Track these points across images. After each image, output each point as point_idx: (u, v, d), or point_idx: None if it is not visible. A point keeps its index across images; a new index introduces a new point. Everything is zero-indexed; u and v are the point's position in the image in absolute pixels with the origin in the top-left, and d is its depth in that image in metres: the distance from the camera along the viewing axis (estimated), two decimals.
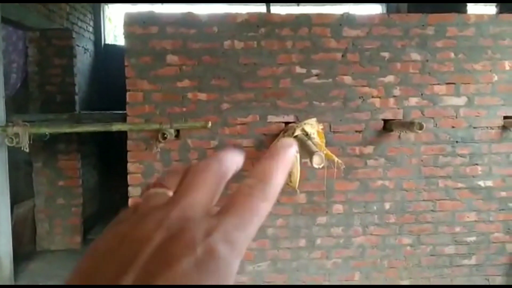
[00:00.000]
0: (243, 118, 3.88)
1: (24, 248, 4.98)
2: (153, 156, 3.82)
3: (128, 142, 3.83)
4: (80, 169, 5.32)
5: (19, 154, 4.15)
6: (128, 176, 3.84)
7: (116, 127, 3.53)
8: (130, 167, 3.83)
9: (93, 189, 6.10)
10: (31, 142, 3.49)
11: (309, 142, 3.24)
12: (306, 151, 3.23)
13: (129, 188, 3.85)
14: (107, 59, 7.12)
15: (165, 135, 3.58)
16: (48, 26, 5.20)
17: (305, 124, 3.52)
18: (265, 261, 3.95)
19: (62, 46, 5.14)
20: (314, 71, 3.92)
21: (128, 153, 3.83)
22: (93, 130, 3.53)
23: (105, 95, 6.70)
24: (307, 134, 3.45)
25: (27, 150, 3.43)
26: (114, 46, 7.48)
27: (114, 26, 8.09)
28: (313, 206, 3.97)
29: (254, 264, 3.94)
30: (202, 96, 3.84)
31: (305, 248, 3.99)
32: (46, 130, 3.46)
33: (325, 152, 3.12)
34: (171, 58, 3.80)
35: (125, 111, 4.26)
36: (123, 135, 4.34)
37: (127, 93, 3.80)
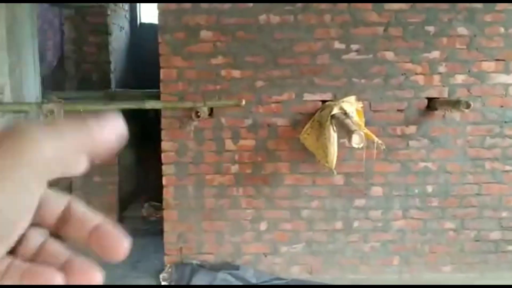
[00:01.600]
0: (278, 96, 3.78)
1: None
2: (186, 134, 3.80)
3: (162, 120, 3.81)
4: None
5: None
6: (162, 155, 3.84)
7: (150, 104, 3.51)
8: (164, 145, 3.82)
9: (129, 168, 6.17)
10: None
11: (348, 121, 3.12)
12: (344, 130, 3.12)
13: (163, 167, 3.84)
14: (143, 37, 7.13)
15: (199, 114, 3.54)
16: (83, 3, 5.22)
17: (343, 102, 3.39)
18: (300, 243, 3.89)
19: (98, 24, 5.16)
20: (354, 47, 3.76)
21: (162, 131, 3.82)
22: (127, 108, 3.53)
23: (140, 74, 6.72)
24: (345, 113, 3.33)
25: None
26: (149, 24, 7.47)
27: (150, 4, 8.07)
28: (350, 188, 3.86)
29: (289, 245, 3.88)
30: (236, 73, 3.77)
31: (342, 230, 3.90)
32: (80, 108, 3.48)
33: (364, 131, 2.99)
34: (205, 34, 3.73)
35: (159, 90, 4.27)
36: (159, 113, 4.35)
37: (161, 70, 3.77)
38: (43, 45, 4.54)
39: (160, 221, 5.77)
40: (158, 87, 4.78)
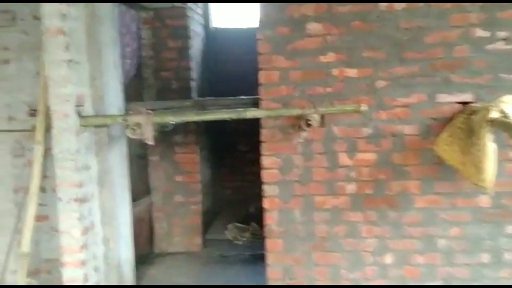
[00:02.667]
0: (404, 98, 3.10)
1: (141, 250, 4.66)
2: (292, 147, 3.19)
3: (263, 131, 3.23)
4: (199, 163, 4.89)
5: (130, 146, 3.76)
6: (263, 172, 3.25)
7: (251, 113, 2.94)
8: (265, 161, 3.24)
9: (207, 184, 5.68)
10: (155, 133, 3.03)
11: None
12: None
13: (264, 187, 3.26)
14: (217, 43, 6.66)
15: (310, 122, 2.92)
16: (160, 5, 4.79)
17: (503, 102, 2.65)
18: (435, 280, 3.16)
19: (177, 27, 4.72)
20: (501, 34, 3.02)
21: (263, 144, 3.24)
22: (224, 118, 2.98)
23: (216, 82, 6.24)
24: (505, 116, 2.59)
25: (152, 143, 2.97)
26: (223, 29, 6.99)
27: (222, 8, 7.62)
28: (500, 211, 3.10)
29: (422, 283, 3.16)
30: (352, 72, 3.13)
31: (489, 264, 3.13)
32: (171, 119, 2.98)
33: None
34: (313, 27, 3.13)
35: (252, 96, 3.72)
36: (236, 124, 3.80)
37: (260, 72, 3.20)
38: (121, 53, 4.12)
39: (248, 245, 5.24)
40: (240, 95, 4.26)
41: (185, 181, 4.86)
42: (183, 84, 4.74)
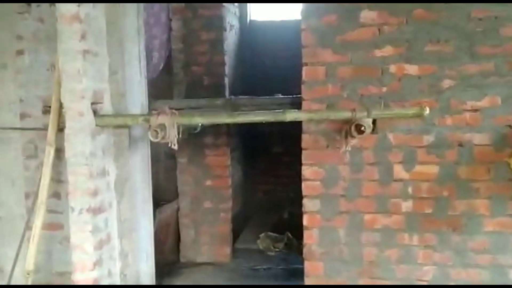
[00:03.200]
0: (475, 101, 2.62)
1: (167, 258, 4.33)
2: (338, 156, 2.76)
3: (304, 137, 2.81)
4: (229, 166, 4.51)
5: (158, 144, 3.40)
6: (303, 184, 2.84)
7: (291, 116, 2.52)
8: (306, 171, 2.82)
9: (237, 187, 5.30)
10: (180, 135, 2.66)
11: None
12: None
13: (304, 201, 2.84)
14: (254, 37, 6.25)
15: (363, 128, 2.48)
16: None
17: None
18: None
19: (211, 17, 4.34)
20: None
21: (303, 152, 2.82)
22: (260, 121, 2.58)
23: (250, 80, 5.83)
24: None
25: (176, 147, 2.61)
26: (261, 22, 6.56)
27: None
28: None
29: None
30: (412, 69, 2.67)
31: None
32: (200, 120, 2.60)
33: None
34: (366, 15, 2.69)
35: (291, 95, 3.31)
36: (271, 125, 3.41)
37: (304, 68, 2.78)
38: (148, 44, 3.78)
39: (282, 257, 4.84)
40: (276, 93, 3.86)
41: (215, 186, 4.49)
42: (215, 81, 4.36)
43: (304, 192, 2.83)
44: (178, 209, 4.52)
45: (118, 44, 2.85)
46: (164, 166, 4.90)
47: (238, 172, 5.47)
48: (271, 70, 6.06)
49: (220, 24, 4.40)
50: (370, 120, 2.52)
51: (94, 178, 2.60)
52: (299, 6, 2.80)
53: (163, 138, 2.64)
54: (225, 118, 2.66)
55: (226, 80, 4.44)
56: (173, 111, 2.67)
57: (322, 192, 2.80)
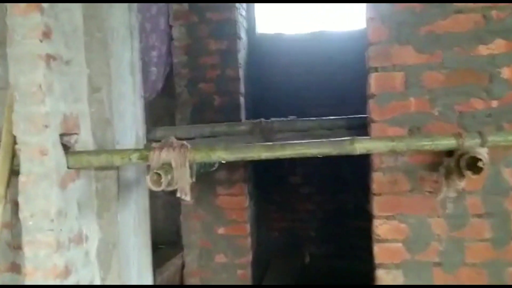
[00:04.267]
0: None
1: None
2: (430, 205, 1.89)
3: (375, 176, 1.95)
4: (248, 208, 3.63)
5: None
6: (376, 247, 1.95)
7: (363, 146, 1.66)
8: (380, 227, 1.94)
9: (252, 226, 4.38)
10: (194, 179, 1.79)
11: None
12: None
13: (379, 273, 1.95)
14: (262, 51, 5.41)
15: (480, 163, 1.62)
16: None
17: None
18: None
19: (221, 22, 3.52)
20: None
21: (375, 198, 1.95)
22: (315, 154, 1.72)
23: (259, 100, 4.98)
24: None
25: (188, 198, 1.74)
26: (270, 35, 5.72)
27: (268, 9, 6.38)
28: None
29: None
30: None
31: None
32: (224, 156, 1.73)
33: None
34: None
35: (346, 116, 2.47)
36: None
37: (371, 76, 1.94)
38: (143, 57, 2.93)
39: None
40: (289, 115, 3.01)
41: (230, 234, 3.59)
42: (229, 100, 3.50)
43: (378, 259, 1.95)
44: (183, 266, 3.60)
45: (102, 48, 2.00)
46: (162, 202, 4.03)
47: (251, 208, 4.57)
48: (284, 87, 5.24)
49: (233, 30, 3.59)
50: (485, 151, 1.66)
51: (64, 249, 1.72)
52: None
53: (169, 184, 1.78)
54: (261, 152, 1.79)
55: (242, 100, 3.58)
56: (183, 142, 1.82)
57: (406, 259, 1.92)
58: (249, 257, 3.64)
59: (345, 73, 5.01)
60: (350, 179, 4.89)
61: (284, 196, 5.50)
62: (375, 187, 1.93)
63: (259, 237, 5.00)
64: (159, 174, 1.73)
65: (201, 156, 1.79)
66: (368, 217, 2.00)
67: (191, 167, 1.82)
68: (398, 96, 1.91)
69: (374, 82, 1.92)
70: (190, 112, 3.55)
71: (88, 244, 1.87)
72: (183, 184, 1.79)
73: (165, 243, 3.79)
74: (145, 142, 2.32)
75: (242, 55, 3.83)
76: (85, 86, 1.93)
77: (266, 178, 5.14)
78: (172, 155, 1.79)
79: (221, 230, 3.60)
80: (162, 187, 1.75)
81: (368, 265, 2.07)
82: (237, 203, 3.60)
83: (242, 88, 3.57)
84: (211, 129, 2.40)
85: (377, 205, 1.93)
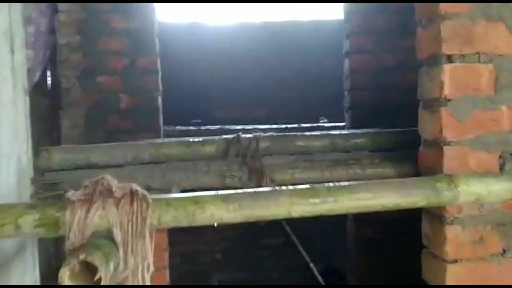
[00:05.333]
0: None
1: None
2: None
3: (449, 231, 1.21)
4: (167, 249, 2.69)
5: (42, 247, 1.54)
6: None
7: (468, 189, 0.93)
8: None
9: None
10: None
11: None
12: None
13: None
14: (165, 43, 4.46)
15: None
16: None
17: None
18: None
19: None
20: None
21: (448, 268, 1.22)
22: (391, 208, 0.94)
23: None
24: None
25: None
26: (174, 24, 4.73)
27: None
28: None
29: None
30: None
31: None
32: (228, 216, 0.84)
33: None
34: None
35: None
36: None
37: (443, 68, 1.20)
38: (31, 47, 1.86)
39: None
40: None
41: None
42: (142, 101, 2.53)
43: None
44: None
45: None
46: None
47: None
48: (187, 84, 4.41)
49: (149, 6, 2.62)
50: None
51: None
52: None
53: (112, 278, 0.87)
54: (295, 205, 0.94)
55: (160, 101, 2.63)
56: (136, 188, 0.92)
57: None
58: None
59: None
60: None
61: None
62: (448, 250, 1.20)
63: None
64: (89, 265, 0.81)
65: (175, 218, 0.89)
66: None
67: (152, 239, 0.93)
68: (483, 103, 1.21)
69: (448, 79, 1.19)
70: (85, 117, 2.50)
71: None
72: (141, 276, 0.90)
73: None
74: (32, 175, 1.32)
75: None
76: None
77: None
78: (116, 217, 0.89)
79: None
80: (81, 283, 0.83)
81: None
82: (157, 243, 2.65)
83: (159, 85, 2.61)
84: (154, 149, 1.42)
85: (453, 279, 1.20)
